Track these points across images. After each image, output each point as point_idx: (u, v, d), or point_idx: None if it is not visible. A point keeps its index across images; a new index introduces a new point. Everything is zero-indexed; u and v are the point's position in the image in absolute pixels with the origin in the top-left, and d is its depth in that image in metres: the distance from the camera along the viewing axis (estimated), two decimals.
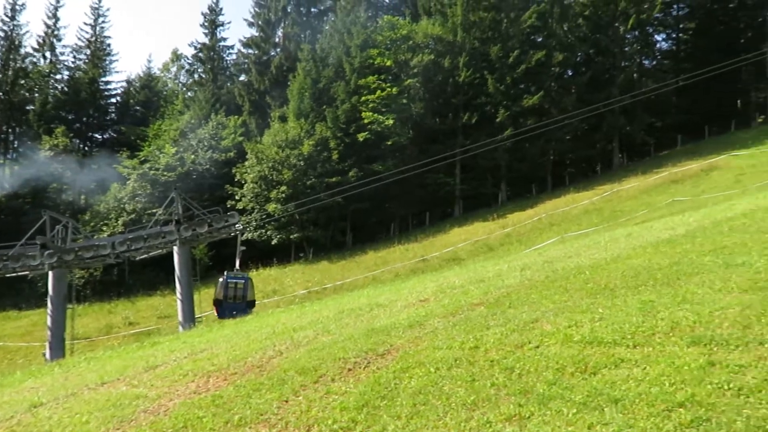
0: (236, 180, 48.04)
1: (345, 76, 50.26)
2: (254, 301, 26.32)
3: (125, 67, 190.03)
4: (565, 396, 4.44)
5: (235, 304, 24.55)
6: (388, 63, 50.88)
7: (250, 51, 67.33)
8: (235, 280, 25.52)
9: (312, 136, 46.86)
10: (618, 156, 54.07)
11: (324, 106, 49.32)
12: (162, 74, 79.61)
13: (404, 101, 49.10)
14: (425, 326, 7.23)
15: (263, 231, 45.77)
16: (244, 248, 30.11)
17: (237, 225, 28.19)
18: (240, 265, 28.33)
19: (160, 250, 28.34)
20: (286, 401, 5.58)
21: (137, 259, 30.01)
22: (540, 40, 52.62)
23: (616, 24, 53.04)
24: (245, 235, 39.52)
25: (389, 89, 48.39)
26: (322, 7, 68.49)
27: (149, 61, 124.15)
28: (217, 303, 25.18)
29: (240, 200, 46.93)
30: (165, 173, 48.38)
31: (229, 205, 43.88)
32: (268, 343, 8.19)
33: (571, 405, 4.27)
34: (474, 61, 49.75)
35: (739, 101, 61.30)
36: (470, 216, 46.36)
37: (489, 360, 5.50)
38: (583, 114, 46.08)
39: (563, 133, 50.30)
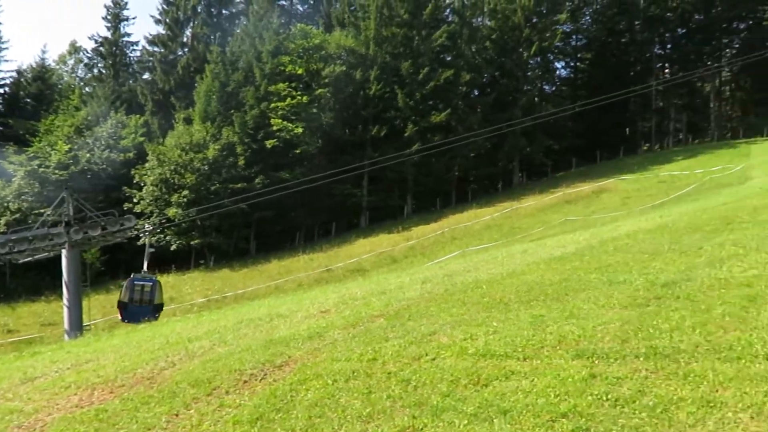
0: (135, 182, 45.94)
1: (255, 82, 49.49)
2: (162, 304, 25.10)
3: (17, 57, 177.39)
4: (457, 407, 4.56)
5: (140, 308, 23.31)
6: (300, 71, 50.62)
7: (156, 49, 64.76)
8: (142, 283, 24.25)
9: (218, 141, 45.69)
10: (518, 175, 56.53)
11: (232, 111, 48.28)
12: (58, 66, 74.98)
13: (314, 110, 48.97)
14: (325, 338, 7.20)
15: (162, 236, 43.97)
16: (153, 250, 28.75)
17: (146, 226, 26.86)
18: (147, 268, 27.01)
19: (47, 253, 26.46)
20: (177, 415, 5.37)
21: (20, 261, 27.90)
22: (449, 59, 54.20)
23: (521, 49, 55.61)
24: (144, 239, 37.84)
25: (300, 97, 48.10)
26: (233, 10, 67.17)
27: (44, 52, 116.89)
28: (122, 305, 23.82)
29: (138, 203, 44.90)
30: (56, 171, 45.42)
31: (126, 208, 41.87)
32: (161, 354, 7.86)
33: (463, 416, 4.39)
34: (385, 75, 50.49)
35: (627, 129, 65.88)
36: (376, 227, 46.81)
37: (386, 372, 5.55)
38: (487, 133, 47.87)
39: (468, 150, 51.96)
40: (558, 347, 5.47)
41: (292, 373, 5.99)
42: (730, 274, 6.97)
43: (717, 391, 4.15)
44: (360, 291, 10.97)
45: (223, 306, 26.14)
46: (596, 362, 4.98)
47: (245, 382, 5.98)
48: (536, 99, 59.20)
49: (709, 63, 65.32)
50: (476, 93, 57.91)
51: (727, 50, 68.81)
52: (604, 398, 4.32)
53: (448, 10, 56.14)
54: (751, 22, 63.36)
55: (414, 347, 6.14)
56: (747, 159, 39.50)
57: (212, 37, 62.53)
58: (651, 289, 6.87)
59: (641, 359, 4.87)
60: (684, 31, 64.89)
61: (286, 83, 49.08)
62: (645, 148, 63.52)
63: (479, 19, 60.24)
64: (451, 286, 9.40)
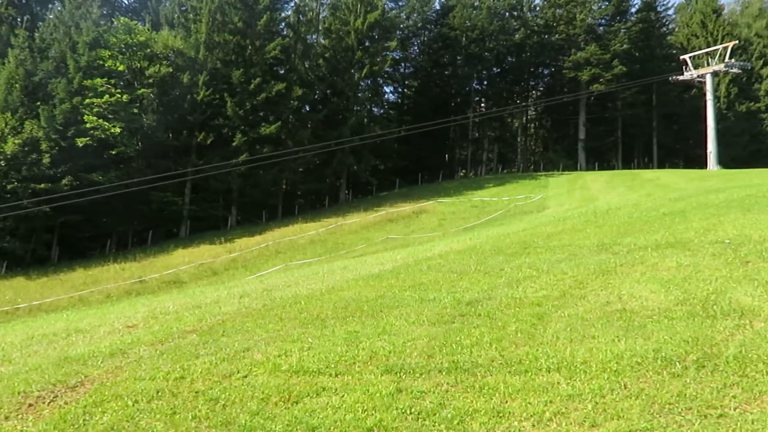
0: None
1: (68, 74, 45.22)
2: None
3: None
4: (266, 426, 4.48)
5: None
6: (121, 68, 47.24)
7: None
8: None
9: (19, 134, 40.89)
10: (345, 192, 57.77)
11: (39, 103, 43.55)
12: None
13: (135, 111, 45.91)
14: (129, 355, 6.70)
15: None
16: None
17: None
18: None
19: None
20: None
21: None
22: (282, 72, 54.05)
23: (353, 70, 57.18)
24: None
25: (119, 96, 44.82)
26: None
27: None
28: None
29: None
30: None
31: None
32: None
33: None
34: (215, 82, 48.97)
35: (447, 155, 70.51)
36: (197, 238, 44.87)
37: (194, 391, 5.30)
38: (316, 149, 48.43)
39: (297, 164, 52.07)
40: (369, 363, 5.62)
41: (87, 394, 5.48)
42: (524, 294, 7.68)
43: (506, 402, 4.52)
44: (173, 305, 10.41)
45: (14, 319, 23.35)
46: (403, 377, 5.19)
47: (30, 405, 5.35)
48: (365, 120, 61.14)
49: (518, 101, 72.47)
50: (308, 108, 58.34)
51: (534, 91, 76.92)
52: (408, 412, 4.50)
53: (283, 24, 56.09)
54: (553, 69, 71.41)
55: (226, 364, 5.94)
56: (545, 190, 44.16)
57: (19, 19, 56.16)
58: (457, 306, 7.35)
59: (444, 373, 5.16)
60: (499, 70, 71.30)
61: (105, 79, 45.48)
62: (462, 174, 68.46)
63: (314, 36, 61.08)
64: (269, 301, 9.27)
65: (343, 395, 4.92)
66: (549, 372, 4.95)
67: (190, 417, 4.75)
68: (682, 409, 4.10)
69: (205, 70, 48.64)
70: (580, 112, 67.83)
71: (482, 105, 74.19)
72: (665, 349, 5.11)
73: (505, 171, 69.01)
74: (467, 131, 69.96)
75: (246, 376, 5.56)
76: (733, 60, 56.52)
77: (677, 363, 4.81)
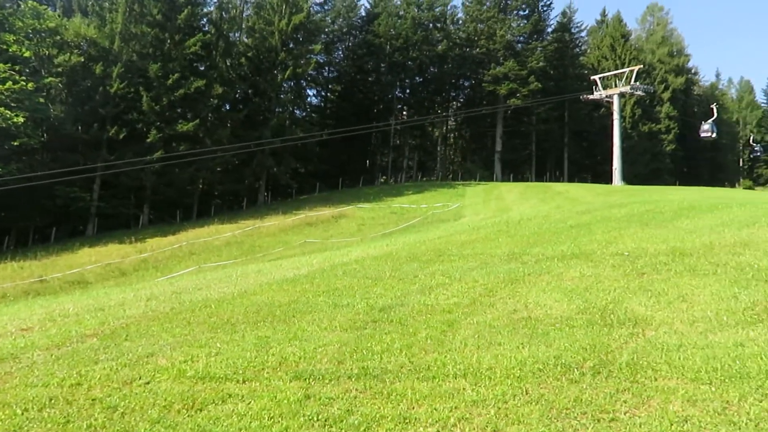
0: None
1: None
2: None
3: None
4: None
5: None
6: (27, 54, 44.49)
7: None
8: None
9: None
10: (264, 194, 56.90)
11: None
12: None
13: (41, 100, 43.35)
14: (21, 360, 6.30)
15: None
16: None
17: None
18: None
19: None
20: None
21: None
22: (202, 69, 52.65)
23: (275, 71, 56.50)
24: None
25: (24, 83, 42.16)
26: None
27: None
28: None
29: None
30: None
31: None
32: None
33: None
34: (130, 75, 47.07)
35: (368, 161, 70.90)
36: (105, 236, 42.85)
37: (91, 398, 5.04)
38: (235, 149, 47.45)
39: (215, 164, 50.82)
40: (278, 369, 5.55)
41: None
42: (436, 300, 7.82)
43: (413, 408, 4.58)
44: (73, 306, 9.87)
45: None
46: (312, 383, 5.15)
47: None
48: (287, 122, 60.53)
49: (439, 111, 73.95)
50: (228, 107, 57.10)
51: (454, 102, 78.73)
52: (316, 418, 4.47)
53: (204, 19, 54.66)
54: (473, 82, 73.39)
55: (127, 370, 5.70)
56: (462, 199, 45.22)
57: None
58: (370, 312, 7.38)
59: (353, 380, 5.17)
60: (421, 80, 72.48)
61: (8, 65, 42.69)
62: (382, 180, 69.04)
63: (236, 35, 59.90)
64: (178, 304, 8.98)
65: (250, 402, 4.83)
66: (456, 378, 5.06)
67: (85, 426, 4.52)
68: (577, 414, 4.29)
69: (120, 62, 46.66)
70: (498, 124, 70.05)
71: (404, 113, 75.17)
72: (565, 356, 5.33)
73: (424, 179, 70.14)
74: (389, 138, 70.68)
75: (148, 383, 5.36)
76: (638, 83, 60.04)
77: (575, 369, 5.04)
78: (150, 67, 47.06)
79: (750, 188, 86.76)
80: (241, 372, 5.49)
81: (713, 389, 4.46)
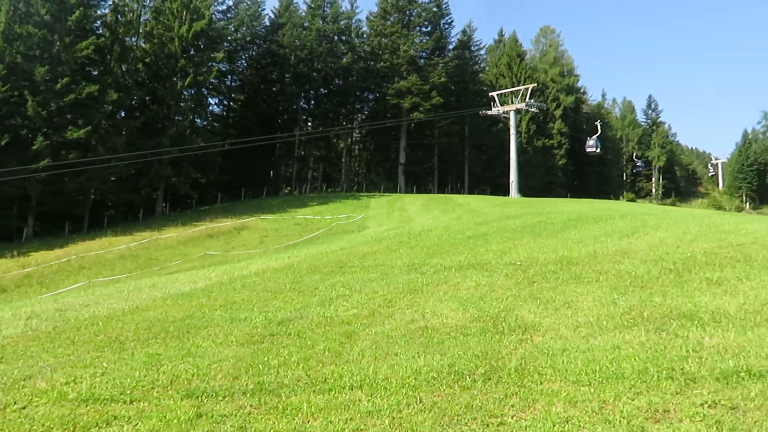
0: None
1: None
2: None
3: None
4: None
5: None
6: None
7: None
8: None
9: None
10: (162, 205, 54.70)
11: None
12: None
13: None
14: None
15: None
16: None
17: None
18: None
19: None
20: None
21: None
22: (95, 74, 49.98)
23: (175, 78, 54.62)
24: None
25: None
26: None
27: None
28: None
29: None
30: None
31: None
32: None
33: None
34: (13, 77, 43.91)
35: (272, 172, 69.98)
36: None
37: None
38: (131, 158, 45.38)
39: (108, 173, 48.32)
40: (169, 387, 5.34)
41: None
42: (335, 312, 7.82)
43: (308, 421, 4.54)
44: None
45: None
46: (205, 401, 5.00)
47: None
48: (187, 131, 58.58)
49: (344, 123, 74.29)
50: (123, 114, 54.51)
51: (359, 114, 79.39)
52: None
53: (98, 22, 52.02)
54: (377, 95, 74.38)
55: (1, 395, 5.29)
56: (367, 210, 45.55)
57: None
58: (268, 326, 7.27)
59: (248, 395, 5.06)
60: (326, 91, 72.58)
61: None
62: (286, 191, 68.33)
63: (133, 39, 57.41)
64: (62, 322, 8.45)
65: (137, 423, 4.61)
66: (352, 390, 5.08)
67: None
68: (468, 420, 4.42)
69: (2, 63, 43.45)
70: (401, 137, 71.31)
71: (309, 124, 74.91)
72: (458, 364, 5.49)
73: (329, 190, 70.09)
74: (293, 149, 70.12)
75: (24, 408, 5.00)
76: (532, 100, 63.20)
77: (467, 376, 5.19)
78: (36, 70, 44.10)
79: (632, 200, 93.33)
80: (128, 392, 5.24)
81: (592, 390, 4.74)
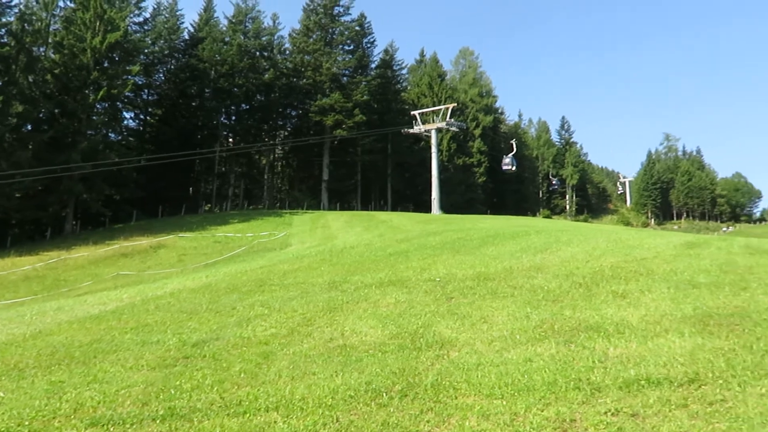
0: None
1: None
2: None
3: None
4: None
5: None
6: None
7: None
8: None
9: None
10: (71, 223, 52.01)
11: None
12: None
13: None
14: None
15: None
16: None
17: None
18: None
19: None
20: None
21: None
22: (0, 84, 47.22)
23: (87, 91, 52.36)
24: None
25: None
26: None
27: None
28: None
29: None
30: None
31: None
32: None
33: None
34: None
35: (191, 189, 68.10)
36: None
37: None
38: (38, 173, 43.02)
39: (12, 189, 45.53)
40: (72, 416, 5.06)
41: None
42: (253, 333, 7.67)
43: None
44: None
45: None
46: (111, 429, 4.77)
47: None
48: (100, 145, 56.08)
49: (266, 139, 73.44)
50: (29, 128, 51.60)
51: (282, 131, 78.77)
52: None
53: (3, 30, 49.26)
54: (300, 111, 74.12)
55: None
56: (289, 228, 45.07)
57: None
58: (182, 348, 7.04)
59: (158, 422, 4.87)
60: (248, 107, 71.59)
61: None
62: (206, 208, 66.61)
63: (41, 49, 54.69)
64: None
65: None
66: (267, 411, 4.98)
67: None
68: None
69: None
70: (325, 154, 71.23)
71: (230, 140, 73.53)
72: (376, 381, 5.50)
73: (251, 207, 68.90)
74: (213, 165, 68.58)
75: None
76: (453, 120, 64.77)
77: (384, 394, 5.21)
78: None
79: (548, 217, 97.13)
80: (27, 423, 4.93)
81: (504, 403, 4.87)
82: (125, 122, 64.47)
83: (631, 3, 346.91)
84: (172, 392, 5.51)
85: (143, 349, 7.11)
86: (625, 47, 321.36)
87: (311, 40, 73.25)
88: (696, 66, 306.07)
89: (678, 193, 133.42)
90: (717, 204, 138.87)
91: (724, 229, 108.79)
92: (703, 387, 4.89)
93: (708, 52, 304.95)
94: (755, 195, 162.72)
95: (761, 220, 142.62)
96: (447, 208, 63.24)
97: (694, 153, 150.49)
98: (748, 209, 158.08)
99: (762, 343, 5.89)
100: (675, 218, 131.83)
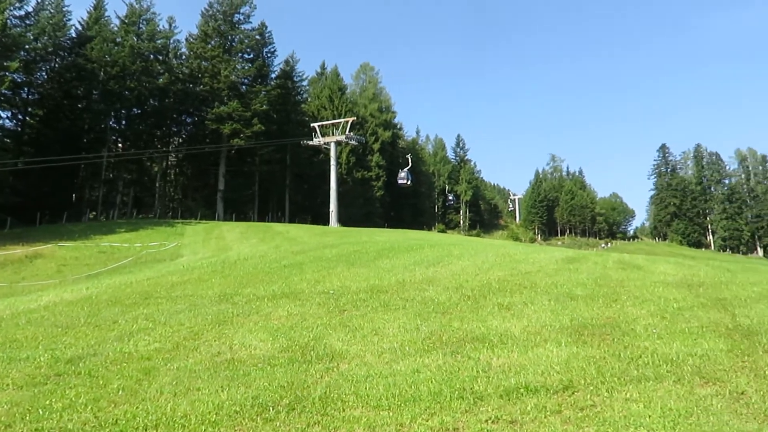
0: None
1: None
2: None
3: None
4: None
5: None
6: None
7: None
8: None
9: None
10: None
11: None
12: None
13: None
14: None
15: None
16: None
17: None
18: None
19: None
20: None
21: None
22: None
23: None
24: None
25: None
26: None
27: None
28: None
29: None
30: None
31: None
32: None
33: None
34: None
35: (74, 195, 64.00)
36: None
37: None
38: None
39: None
40: None
41: None
42: (135, 348, 7.30)
43: None
44: None
45: None
46: None
47: None
48: None
49: (159, 146, 70.55)
50: None
51: (176, 138, 76.00)
52: None
53: None
54: (196, 119, 71.90)
55: None
56: (181, 238, 43.40)
57: None
58: (54, 365, 6.58)
59: None
60: (140, 111, 68.43)
61: None
62: (91, 216, 62.81)
63: None
64: None
65: None
66: (146, 430, 4.76)
67: None
68: None
69: None
70: (221, 163, 69.40)
71: (120, 145, 69.90)
72: (263, 396, 5.40)
73: (140, 216, 65.66)
74: (100, 171, 64.83)
75: None
76: (352, 133, 65.20)
77: (271, 408, 5.12)
78: None
79: (443, 231, 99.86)
80: None
81: (391, 414, 4.93)
82: (1, 122, 59.75)
83: (523, 29, 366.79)
84: (41, 412, 5.14)
85: (9, 367, 6.58)
86: (513, 71, 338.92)
87: (209, 46, 71.42)
88: (579, 89, 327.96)
89: (562, 210, 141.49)
90: (596, 222, 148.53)
91: (603, 245, 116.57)
92: (575, 393, 5.20)
93: (587, 78, 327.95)
94: (629, 214, 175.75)
95: (634, 237, 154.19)
96: (345, 221, 63.44)
97: (577, 173, 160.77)
98: (623, 227, 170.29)
99: (629, 351, 6.35)
100: (559, 234, 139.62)
